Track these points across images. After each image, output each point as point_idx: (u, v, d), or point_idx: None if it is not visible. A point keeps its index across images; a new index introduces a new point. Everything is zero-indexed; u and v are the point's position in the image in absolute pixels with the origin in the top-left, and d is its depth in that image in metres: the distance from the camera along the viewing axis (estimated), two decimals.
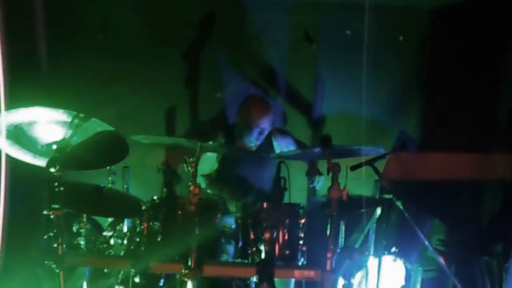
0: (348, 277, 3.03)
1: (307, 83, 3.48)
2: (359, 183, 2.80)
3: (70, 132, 2.13)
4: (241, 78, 3.37)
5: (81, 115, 2.05)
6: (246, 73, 3.40)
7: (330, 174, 2.03)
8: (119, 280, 2.51)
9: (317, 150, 2.12)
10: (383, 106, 3.50)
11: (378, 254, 2.87)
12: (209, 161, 2.97)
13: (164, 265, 2.12)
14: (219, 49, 3.36)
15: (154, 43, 3.29)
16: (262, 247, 2.15)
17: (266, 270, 2.06)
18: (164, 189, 2.18)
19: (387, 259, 3.20)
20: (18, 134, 2.08)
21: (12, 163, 2.39)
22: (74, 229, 2.49)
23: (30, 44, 2.50)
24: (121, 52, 3.23)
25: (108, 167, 2.69)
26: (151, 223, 2.18)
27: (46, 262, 2.12)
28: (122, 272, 2.54)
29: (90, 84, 3.09)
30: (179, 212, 2.17)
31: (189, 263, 2.01)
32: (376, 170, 2.66)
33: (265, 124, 2.87)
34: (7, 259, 2.70)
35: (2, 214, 2.65)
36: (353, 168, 2.67)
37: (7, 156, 2.31)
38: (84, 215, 2.48)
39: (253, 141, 2.89)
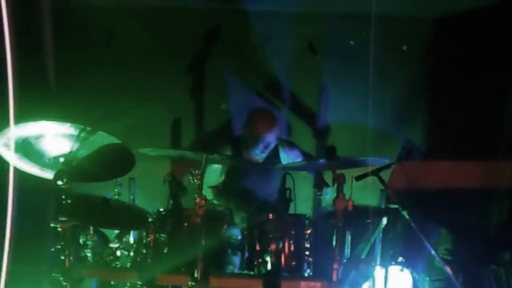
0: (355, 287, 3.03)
1: (311, 94, 3.50)
2: (365, 193, 2.80)
3: (77, 145, 2.15)
4: (246, 89, 3.39)
5: (88, 128, 2.07)
6: (251, 84, 3.42)
7: (335, 185, 2.04)
8: None
9: (322, 161, 2.13)
10: (388, 115, 3.50)
11: (385, 264, 2.85)
12: (214, 173, 2.99)
13: (170, 277, 2.12)
14: (224, 60, 3.39)
15: (159, 55, 3.32)
16: (268, 259, 2.15)
17: (272, 282, 2.06)
18: (170, 201, 2.18)
19: (394, 269, 3.18)
20: (26, 148, 2.11)
21: (20, 175, 2.41)
22: (81, 241, 2.50)
23: (38, 59, 2.53)
24: (127, 65, 3.27)
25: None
26: (157, 235, 2.19)
27: (53, 274, 2.13)
28: (128, 284, 2.56)
29: (97, 97, 3.13)
30: (185, 224, 2.18)
31: (196, 275, 2.01)
32: (381, 180, 2.66)
33: (271, 138, 2.88)
34: (13, 271, 2.71)
35: (9, 226, 2.67)
36: (359, 178, 2.67)
37: (15, 168, 2.34)
38: (91, 227, 2.50)
39: (258, 154, 2.91)
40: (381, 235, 2.88)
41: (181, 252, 2.16)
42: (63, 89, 2.61)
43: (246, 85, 3.39)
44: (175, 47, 3.34)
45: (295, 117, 3.48)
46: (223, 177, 3.00)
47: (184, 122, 3.38)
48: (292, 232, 2.22)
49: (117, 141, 2.14)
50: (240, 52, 3.39)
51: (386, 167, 2.66)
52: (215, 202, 2.96)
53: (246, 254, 2.31)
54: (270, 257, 2.15)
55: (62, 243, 2.11)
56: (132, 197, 2.87)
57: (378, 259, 2.94)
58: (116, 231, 2.60)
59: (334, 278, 2.09)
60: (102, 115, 2.96)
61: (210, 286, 2.07)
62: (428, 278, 3.29)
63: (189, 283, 2.01)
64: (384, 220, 2.83)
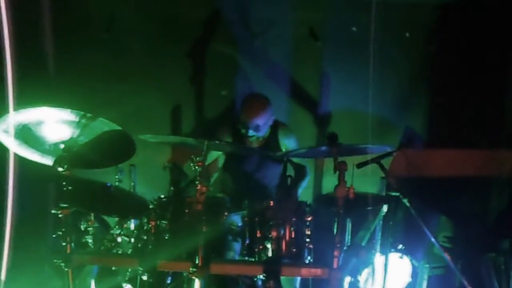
0: (355, 274, 3.04)
1: (312, 81, 3.47)
2: (365, 181, 2.80)
3: (77, 132, 2.14)
4: (246, 76, 3.36)
5: (88, 115, 2.06)
6: (252, 70, 3.39)
7: (337, 172, 2.03)
8: (126, 278, 2.53)
9: (323, 148, 2.12)
10: (389, 103, 3.49)
11: (385, 252, 2.87)
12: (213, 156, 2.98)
13: (171, 263, 2.12)
14: (225, 46, 3.35)
15: (159, 41, 3.29)
16: (268, 245, 2.15)
17: (272, 268, 2.07)
18: (171, 188, 2.18)
19: (394, 256, 3.20)
20: (26, 134, 2.10)
21: (21, 162, 2.41)
22: (82, 227, 2.50)
23: (37, 44, 2.51)
24: (127, 51, 3.23)
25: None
26: (158, 222, 2.19)
27: (54, 260, 2.13)
28: (130, 270, 2.56)
29: (96, 83, 3.10)
30: (186, 211, 2.17)
31: (196, 261, 2.01)
32: (382, 168, 2.66)
33: (259, 121, 2.85)
34: (15, 257, 2.72)
35: (10, 212, 2.68)
36: (360, 165, 2.67)
37: (16, 155, 2.33)
38: (92, 213, 2.49)
39: (250, 137, 2.89)
40: (381, 222, 2.89)
41: (182, 238, 2.16)
42: (63, 75, 2.60)
43: (246, 72, 3.37)
44: (175, 33, 3.30)
45: (296, 104, 3.46)
46: (222, 163, 2.99)
47: (185, 108, 3.36)
48: (293, 219, 2.21)
49: (118, 127, 2.13)
50: (240, 38, 3.36)
51: (387, 154, 2.65)
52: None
53: (247, 241, 2.31)
54: (271, 244, 2.15)
55: (63, 229, 2.11)
56: (132, 184, 2.87)
57: (378, 246, 2.95)
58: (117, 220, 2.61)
59: (335, 265, 2.09)
60: (102, 102, 2.94)
61: (210, 272, 2.07)
62: (427, 265, 3.31)
63: (190, 269, 2.00)
64: (385, 208, 2.84)
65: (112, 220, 2.70)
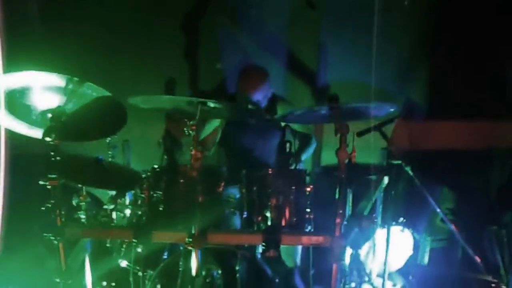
0: (356, 247, 2.98)
1: (310, 52, 3.37)
2: (366, 153, 2.72)
3: (65, 99, 2.03)
4: (242, 48, 3.26)
5: (76, 79, 1.95)
6: (247, 42, 3.29)
7: (338, 135, 1.94)
8: (121, 254, 2.46)
9: (323, 111, 2.03)
10: (390, 74, 3.39)
11: (386, 225, 2.80)
12: (210, 130, 2.90)
13: (167, 234, 2.04)
14: (219, 18, 3.24)
15: (151, 13, 3.17)
16: (268, 214, 2.07)
17: (272, 237, 1.99)
18: (165, 157, 2.09)
19: (395, 229, 3.14)
20: (11, 102, 1.99)
21: (11, 137, 2.31)
22: (74, 202, 2.42)
23: (25, 10, 2.37)
24: (118, 23, 3.11)
25: (107, 140, 2.61)
26: (152, 192, 2.10)
27: (45, 234, 2.05)
28: (124, 246, 2.49)
29: (86, 54, 2.98)
30: (181, 180, 2.08)
31: (193, 232, 1.93)
32: (383, 135, 2.58)
33: (258, 96, 2.78)
34: (8, 238, 2.63)
35: (1, 192, 2.58)
36: (360, 134, 2.59)
37: (6, 131, 2.22)
38: (84, 188, 2.41)
39: (252, 102, 2.80)
40: (382, 195, 2.82)
41: (177, 209, 2.08)
42: (50, 39, 2.48)
43: (241, 44, 3.26)
44: (169, 5, 3.18)
45: (293, 75, 3.36)
46: (219, 135, 2.91)
47: (179, 82, 3.25)
48: (293, 187, 2.13)
49: (107, 93, 2.03)
50: (235, 9, 3.25)
51: (388, 122, 2.57)
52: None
53: (245, 214, 2.22)
54: (270, 213, 2.06)
55: (53, 201, 2.02)
56: (127, 161, 2.78)
57: (380, 219, 2.89)
58: (111, 193, 2.52)
59: (337, 233, 2.01)
60: (92, 75, 2.82)
61: (208, 243, 1.99)
62: (429, 238, 3.26)
63: (186, 239, 1.92)
64: (386, 179, 2.76)
65: (105, 197, 2.61)
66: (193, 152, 1.90)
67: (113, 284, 2.61)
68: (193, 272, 2.01)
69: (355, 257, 2.89)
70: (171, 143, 2.10)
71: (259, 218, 2.10)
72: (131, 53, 3.15)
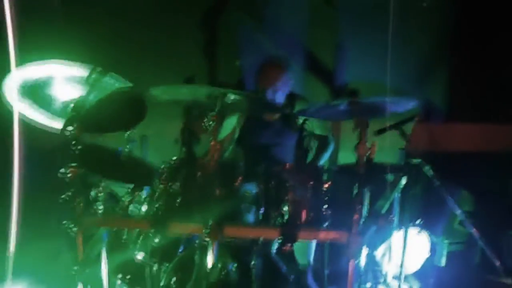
0: (372, 247, 2.96)
1: (328, 51, 3.36)
2: (384, 152, 2.70)
3: (87, 90, 2.06)
4: (260, 45, 3.26)
5: (99, 69, 1.98)
6: (265, 41, 3.29)
7: (357, 131, 1.93)
8: (138, 247, 2.47)
9: (342, 107, 2.01)
10: (408, 74, 3.36)
11: (403, 226, 2.77)
12: (228, 129, 2.90)
13: (183, 225, 2.05)
14: (238, 15, 3.26)
15: (171, 9, 3.20)
16: (285, 209, 2.06)
17: (289, 232, 1.98)
18: (183, 149, 2.10)
19: (412, 231, 3.10)
20: (33, 93, 2.02)
21: (27, 130, 2.34)
22: (92, 194, 2.44)
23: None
24: (139, 18, 3.14)
25: (126, 134, 2.63)
26: (169, 185, 2.11)
27: (63, 223, 2.08)
28: (140, 239, 2.50)
29: (106, 48, 3.01)
30: (199, 173, 2.08)
31: (210, 223, 1.93)
32: (403, 134, 2.55)
33: (277, 84, 2.77)
34: (25, 231, 2.67)
35: (17, 185, 2.62)
36: (379, 132, 2.57)
37: (21, 123, 2.26)
38: (102, 180, 2.42)
39: (270, 96, 2.79)
40: (399, 196, 2.79)
41: (194, 201, 2.08)
42: (71, 30, 2.51)
43: (260, 41, 3.27)
44: (189, 1, 3.20)
45: (310, 74, 3.36)
46: (237, 134, 2.91)
47: (198, 79, 3.26)
48: (310, 182, 2.12)
49: (128, 84, 2.05)
50: (254, 7, 3.26)
51: (408, 120, 2.55)
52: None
53: (262, 209, 2.21)
54: (288, 207, 2.05)
55: (72, 190, 2.05)
56: (144, 156, 2.80)
57: (397, 220, 2.85)
58: (128, 187, 2.54)
59: (354, 229, 1.99)
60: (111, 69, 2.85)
61: (224, 236, 1.99)
62: (446, 241, 3.21)
63: (204, 231, 1.92)
64: (404, 180, 2.74)
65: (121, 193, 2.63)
66: (212, 143, 1.90)
67: (129, 277, 2.63)
68: (209, 265, 2.01)
69: (371, 258, 2.88)
70: (189, 136, 2.10)
71: (276, 213, 2.09)
72: (151, 49, 3.17)
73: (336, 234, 2.00)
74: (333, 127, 3.23)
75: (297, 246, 2.96)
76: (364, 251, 2.74)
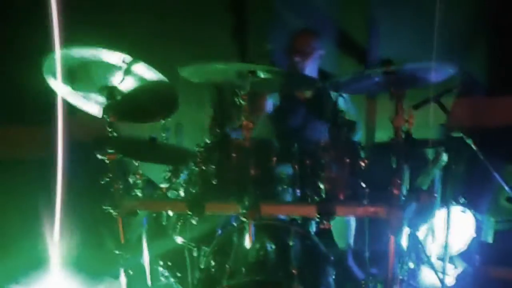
0: (414, 227, 2.88)
1: (361, 28, 3.27)
2: (423, 129, 2.61)
3: (123, 78, 2.09)
4: (290, 27, 3.21)
5: (135, 59, 2.00)
6: (295, 21, 3.24)
7: (394, 100, 1.86)
8: (177, 231, 2.51)
9: (377, 78, 1.95)
10: (446, 48, 3.22)
11: (446, 205, 2.68)
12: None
13: (220, 205, 2.05)
14: None
15: None
16: (321, 187, 2.02)
17: (327, 208, 1.94)
18: (217, 130, 2.09)
19: (455, 210, 3.00)
20: (71, 77, 2.07)
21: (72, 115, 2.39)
22: (131, 181, 2.49)
23: None
24: (168, 6, 3.16)
25: (161, 122, 2.66)
26: (204, 166, 2.12)
27: (104, 207, 2.12)
28: (179, 224, 2.54)
29: (137, 37, 3.04)
30: (233, 153, 2.08)
31: (246, 203, 1.93)
32: (442, 108, 2.46)
33: (308, 51, 2.76)
34: (69, 218, 2.75)
35: (61, 172, 2.70)
36: (417, 106, 2.48)
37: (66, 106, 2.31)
38: (140, 168, 2.46)
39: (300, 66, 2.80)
40: (441, 173, 2.69)
41: (230, 182, 2.08)
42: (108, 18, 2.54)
43: (290, 23, 3.22)
44: None
45: (342, 54, 3.28)
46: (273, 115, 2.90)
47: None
48: (347, 159, 2.07)
49: (159, 73, 2.07)
50: None
51: (447, 92, 2.45)
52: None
53: (298, 191, 2.18)
54: (324, 184, 2.02)
55: (111, 175, 2.09)
56: (179, 144, 2.83)
57: (439, 199, 2.76)
58: (165, 175, 2.57)
59: (395, 203, 1.93)
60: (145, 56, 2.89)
61: (261, 214, 1.97)
62: (492, 219, 3.08)
63: (240, 211, 1.92)
64: (445, 157, 2.64)
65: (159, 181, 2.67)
66: (244, 123, 1.89)
67: (169, 263, 2.68)
68: (247, 245, 2.00)
69: (413, 238, 2.80)
70: (221, 117, 2.09)
71: (313, 191, 2.06)
72: (180, 36, 3.18)
73: (375, 209, 1.95)
74: (368, 108, 3.16)
75: (336, 229, 2.95)
76: (406, 230, 2.68)
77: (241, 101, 1.89)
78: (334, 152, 2.04)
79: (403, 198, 2.01)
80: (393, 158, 1.88)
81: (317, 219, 1.97)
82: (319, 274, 2.20)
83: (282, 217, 2.39)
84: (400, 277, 2.63)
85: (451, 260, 2.98)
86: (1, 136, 3.04)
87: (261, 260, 2.04)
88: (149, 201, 2.20)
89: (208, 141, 2.16)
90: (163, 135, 2.68)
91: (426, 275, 2.92)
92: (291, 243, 2.21)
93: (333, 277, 2.27)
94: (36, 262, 2.72)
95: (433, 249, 3.01)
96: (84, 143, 2.59)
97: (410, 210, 2.29)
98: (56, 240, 2.72)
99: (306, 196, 2.10)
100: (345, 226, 2.97)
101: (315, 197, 2.03)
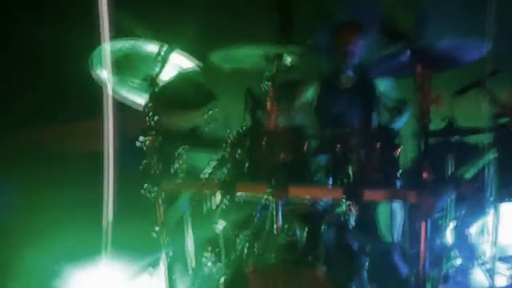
0: (464, 225, 2.74)
1: (407, 17, 3.18)
2: (469, 117, 2.49)
3: (161, 67, 2.23)
4: (335, 20, 3.20)
5: (170, 46, 2.12)
6: (340, 13, 3.22)
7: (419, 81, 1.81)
8: (217, 217, 2.60)
9: (404, 58, 1.89)
10: (499, 34, 3.03)
11: (497, 200, 2.53)
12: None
13: (249, 186, 2.11)
14: None
15: None
16: (350, 171, 2.01)
17: (353, 191, 1.93)
18: (248, 116, 2.16)
19: (508, 207, 2.80)
20: (116, 67, 2.23)
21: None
22: (173, 167, 2.62)
23: None
24: (213, 2, 3.27)
25: (208, 113, 2.77)
26: (237, 151, 2.19)
27: (144, 188, 2.26)
28: (219, 210, 2.62)
29: (184, 29, 3.17)
30: (265, 138, 2.13)
31: (274, 183, 1.97)
32: (489, 92, 2.32)
33: (351, 46, 2.76)
34: (121, 202, 2.91)
35: (112, 155, 2.86)
36: (460, 92, 2.37)
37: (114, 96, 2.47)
38: (183, 155, 2.58)
39: (348, 65, 2.82)
40: (491, 165, 2.54)
41: (260, 164, 2.13)
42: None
43: (334, 16, 3.21)
44: None
45: (387, 39, 3.19)
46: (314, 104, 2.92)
47: None
48: (377, 144, 2.04)
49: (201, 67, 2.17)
50: None
51: (492, 75, 2.31)
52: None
53: (330, 179, 2.18)
54: (353, 168, 2.00)
55: (151, 157, 2.22)
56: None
57: (490, 194, 2.61)
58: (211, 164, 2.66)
59: (425, 189, 1.87)
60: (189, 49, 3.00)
61: (289, 195, 2.01)
62: None
63: (268, 190, 1.97)
64: (494, 146, 2.49)
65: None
66: (269, 107, 1.94)
67: (209, 248, 2.76)
68: (275, 227, 2.05)
69: (460, 233, 2.67)
70: (253, 102, 2.15)
71: (342, 176, 2.05)
72: (227, 31, 3.29)
73: (404, 193, 1.90)
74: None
75: (382, 223, 2.89)
76: (452, 224, 2.56)
77: (268, 86, 1.94)
78: (365, 136, 2.02)
79: (438, 185, 1.94)
80: (421, 141, 1.82)
81: (345, 203, 1.96)
82: (349, 263, 2.18)
83: (320, 204, 2.40)
84: (444, 273, 2.53)
85: (506, 259, 2.78)
86: (56, 131, 3.27)
87: (289, 242, 2.06)
88: (185, 182, 2.30)
89: (241, 127, 2.24)
90: (210, 126, 2.81)
91: (477, 274, 2.76)
92: (322, 230, 2.21)
93: (366, 268, 2.23)
94: (89, 248, 2.90)
95: (486, 248, 2.84)
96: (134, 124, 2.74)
97: (446, 198, 2.20)
98: (107, 226, 2.90)
99: (337, 181, 2.10)
100: (391, 220, 2.89)
101: (344, 180, 2.03)
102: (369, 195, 1.94)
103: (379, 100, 2.76)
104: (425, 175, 1.85)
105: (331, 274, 1.88)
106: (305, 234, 2.16)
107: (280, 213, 2.00)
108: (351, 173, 2.01)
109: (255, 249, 2.13)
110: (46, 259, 2.80)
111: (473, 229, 2.88)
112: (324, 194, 2.09)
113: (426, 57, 1.80)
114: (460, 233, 2.78)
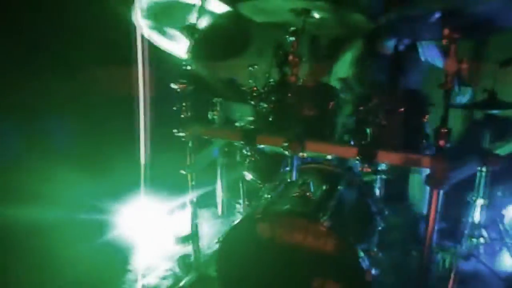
0: (498, 206, 2.64)
1: None
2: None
3: (201, 17, 2.31)
4: None
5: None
6: None
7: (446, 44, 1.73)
8: (246, 166, 2.71)
9: (432, 18, 1.81)
10: None
11: None
12: (344, 65, 2.89)
13: (268, 138, 2.18)
14: None
15: None
16: (368, 131, 2.01)
17: (367, 151, 1.93)
18: (276, 69, 2.20)
19: None
20: (154, 16, 2.35)
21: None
22: (209, 116, 2.74)
23: None
24: None
25: (250, 69, 2.82)
26: (263, 103, 2.26)
27: (174, 130, 2.40)
28: (248, 160, 2.73)
29: None
30: (291, 93, 2.17)
31: (291, 137, 2.02)
32: None
33: None
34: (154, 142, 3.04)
35: (144, 99, 2.97)
36: (505, 63, 2.23)
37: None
38: (218, 104, 2.68)
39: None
40: None
41: (283, 118, 2.19)
42: None
43: None
44: None
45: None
46: (352, 69, 2.88)
47: None
48: (401, 108, 2.01)
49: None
50: None
51: None
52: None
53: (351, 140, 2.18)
54: (371, 130, 2.00)
55: (182, 103, 2.36)
56: None
57: None
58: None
59: (439, 154, 1.82)
60: None
61: (305, 149, 2.05)
62: None
63: (284, 144, 2.03)
64: None
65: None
66: (290, 58, 1.97)
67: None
68: (291, 180, 2.11)
69: (492, 215, 2.58)
70: (280, 57, 2.18)
71: (361, 136, 2.06)
72: None
73: (417, 157, 1.87)
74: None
75: (412, 194, 2.85)
76: (480, 202, 2.47)
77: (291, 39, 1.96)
78: (388, 99, 2.00)
79: (458, 154, 1.89)
80: (444, 104, 1.77)
81: (357, 161, 1.98)
82: (362, 225, 2.21)
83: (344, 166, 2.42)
84: (467, 250, 2.48)
85: None
86: (94, 75, 3.37)
87: (301, 195, 2.12)
88: (211, 129, 2.41)
89: (268, 81, 2.29)
90: (250, 81, 2.88)
91: (503, 256, 2.67)
92: (339, 189, 2.24)
93: (379, 228, 2.25)
94: (128, 183, 3.12)
95: None
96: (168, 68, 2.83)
97: (469, 170, 2.13)
98: (144, 163, 3.08)
99: (356, 142, 2.11)
100: (423, 192, 2.85)
101: (362, 142, 2.03)
102: (382, 157, 1.93)
103: (421, 67, 2.65)
104: (441, 142, 1.81)
105: (337, 231, 1.92)
106: (320, 191, 2.20)
107: (295, 167, 2.05)
108: (368, 134, 2.00)
109: (271, 198, 2.21)
110: (89, 195, 3.06)
111: (507, 212, 2.77)
112: (340, 152, 2.10)
113: (456, 20, 1.71)
114: (492, 214, 2.69)
